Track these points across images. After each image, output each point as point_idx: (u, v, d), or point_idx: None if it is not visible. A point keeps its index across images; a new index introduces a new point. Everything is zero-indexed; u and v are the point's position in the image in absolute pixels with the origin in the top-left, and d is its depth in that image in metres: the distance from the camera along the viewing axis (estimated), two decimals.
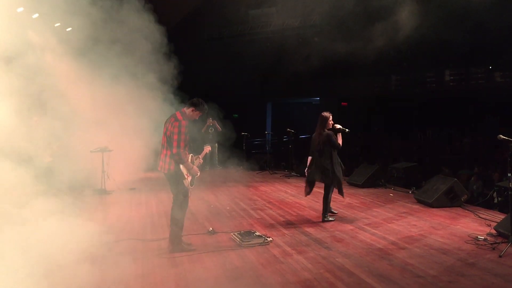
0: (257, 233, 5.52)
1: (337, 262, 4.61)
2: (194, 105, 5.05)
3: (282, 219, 6.71)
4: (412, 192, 8.51)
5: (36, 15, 7.34)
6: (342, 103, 23.68)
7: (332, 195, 6.87)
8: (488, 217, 6.43)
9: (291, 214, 7.03)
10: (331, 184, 6.57)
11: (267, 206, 7.70)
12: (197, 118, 5.18)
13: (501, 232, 5.35)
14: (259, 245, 5.20)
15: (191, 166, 5.04)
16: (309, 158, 6.79)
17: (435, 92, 19.84)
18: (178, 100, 9.23)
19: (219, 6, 17.02)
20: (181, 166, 4.93)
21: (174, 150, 4.83)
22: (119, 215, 6.89)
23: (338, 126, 6.69)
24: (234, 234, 5.57)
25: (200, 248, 5.14)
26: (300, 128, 22.60)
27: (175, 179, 5.00)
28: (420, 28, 10.96)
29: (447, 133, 19.12)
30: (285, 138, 20.77)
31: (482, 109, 18.60)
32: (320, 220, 6.51)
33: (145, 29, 8.83)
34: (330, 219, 6.51)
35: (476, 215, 6.65)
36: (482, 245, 5.10)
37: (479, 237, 5.37)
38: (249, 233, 5.51)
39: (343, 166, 6.74)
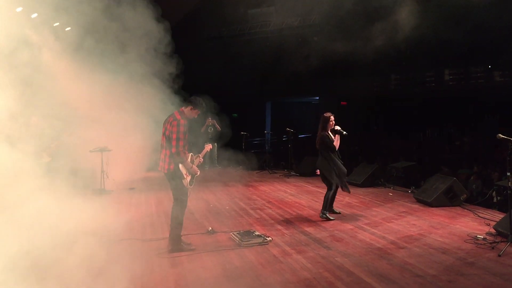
0: (257, 233, 5.52)
1: (336, 262, 4.61)
2: (192, 104, 5.06)
3: (281, 218, 6.71)
4: (412, 192, 8.52)
5: (35, 15, 7.33)
6: (342, 102, 23.69)
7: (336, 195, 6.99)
8: (487, 216, 6.43)
9: (291, 214, 7.03)
10: (330, 185, 6.63)
11: (266, 206, 7.70)
12: (195, 117, 5.18)
13: (500, 231, 5.35)
14: (259, 245, 5.20)
15: (191, 165, 5.04)
16: None
17: (435, 91, 19.84)
18: (178, 99, 9.22)
19: (218, 5, 17.01)
20: (181, 165, 4.94)
21: (174, 150, 4.84)
22: (119, 215, 6.88)
23: (338, 127, 6.72)
24: (233, 233, 5.57)
25: (199, 247, 5.14)
26: (300, 128, 22.64)
27: (175, 178, 5.00)
28: (420, 27, 10.96)
29: (446, 133, 19.15)
30: (284, 137, 20.76)
31: (481, 108, 18.62)
32: (320, 220, 6.51)
33: (145, 28, 8.82)
34: (330, 218, 6.53)
35: (476, 214, 6.65)
36: (481, 244, 5.11)
37: (478, 236, 5.37)
38: (248, 233, 5.51)
39: (343, 169, 6.69)
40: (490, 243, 5.09)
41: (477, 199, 8.49)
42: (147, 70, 9.57)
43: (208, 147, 5.60)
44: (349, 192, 6.86)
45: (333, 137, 6.69)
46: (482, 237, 5.34)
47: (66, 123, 7.92)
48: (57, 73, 7.80)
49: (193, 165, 5.09)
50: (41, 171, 4.99)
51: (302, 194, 8.71)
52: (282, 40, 19.66)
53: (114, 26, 8.26)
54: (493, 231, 5.55)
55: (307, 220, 6.53)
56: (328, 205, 6.68)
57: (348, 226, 6.16)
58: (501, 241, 5.08)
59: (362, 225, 6.17)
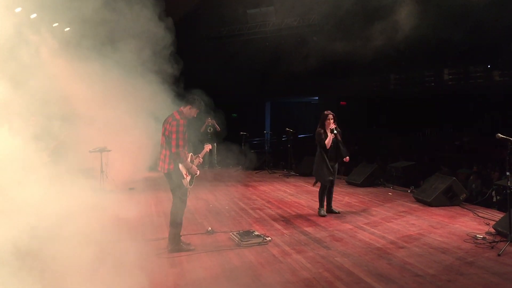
0: (256, 233, 5.52)
1: (336, 262, 4.61)
2: (191, 103, 5.06)
3: (281, 218, 6.70)
4: (411, 191, 8.52)
5: (34, 15, 7.32)
6: (341, 102, 23.70)
7: (334, 195, 7.10)
8: (487, 216, 6.44)
9: (290, 214, 7.03)
10: (318, 180, 6.86)
11: (266, 206, 7.70)
12: (195, 116, 5.18)
13: (500, 231, 5.35)
14: (258, 245, 5.20)
15: (190, 165, 5.04)
16: None
17: (434, 91, 19.84)
18: (178, 99, 9.21)
19: (217, 5, 17.01)
20: (180, 165, 4.94)
21: (174, 149, 4.84)
22: (118, 215, 6.87)
23: (332, 126, 6.76)
24: (233, 233, 5.57)
25: (199, 247, 5.14)
26: (299, 128, 22.66)
27: (175, 178, 5.01)
28: (419, 27, 10.96)
29: (446, 132, 19.15)
30: (284, 137, 20.77)
31: (481, 108, 18.63)
32: (320, 220, 6.53)
33: (145, 27, 8.81)
34: (321, 213, 6.72)
35: (475, 214, 6.65)
36: (481, 244, 5.11)
37: (478, 236, 5.38)
38: (248, 233, 5.51)
39: (330, 168, 6.73)
40: (490, 242, 5.09)
41: (477, 199, 8.50)
42: (147, 69, 9.57)
43: (208, 147, 5.60)
44: (313, 186, 7.19)
45: (329, 135, 6.73)
46: (481, 236, 5.35)
47: (65, 123, 7.92)
48: (56, 72, 7.79)
49: (193, 165, 5.09)
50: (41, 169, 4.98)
51: (302, 194, 8.71)
52: (281, 40, 19.66)
53: (114, 25, 8.24)
54: (492, 230, 5.55)
55: (307, 220, 6.53)
56: (321, 201, 6.81)
57: (348, 226, 6.16)
58: (501, 241, 5.09)
59: (362, 225, 6.17)
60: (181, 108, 5.10)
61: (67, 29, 8.04)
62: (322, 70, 20.00)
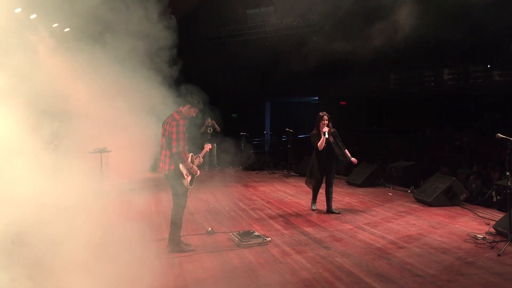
0: (256, 233, 5.52)
1: (336, 262, 4.61)
2: (189, 102, 5.07)
3: (281, 219, 6.70)
4: (411, 191, 8.52)
5: (34, 16, 7.31)
6: (341, 102, 23.70)
7: (334, 195, 7.22)
8: (487, 216, 6.44)
9: (290, 214, 7.02)
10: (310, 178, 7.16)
11: (266, 206, 7.70)
12: (194, 115, 5.18)
13: (500, 231, 5.35)
14: (258, 245, 5.20)
15: (191, 165, 5.04)
16: None
17: (434, 91, 19.84)
18: (178, 99, 9.20)
19: (217, 5, 17.00)
20: (181, 165, 4.94)
21: (174, 150, 4.84)
22: (118, 215, 6.86)
23: (325, 129, 6.82)
24: (233, 234, 5.57)
25: (199, 248, 5.14)
26: (299, 128, 22.64)
27: (175, 179, 5.01)
28: (419, 27, 10.96)
29: (446, 132, 19.15)
30: (284, 138, 20.76)
31: (480, 107, 18.63)
32: (320, 220, 6.54)
33: (145, 27, 8.79)
34: (312, 207, 7.18)
35: (475, 214, 6.65)
36: (481, 244, 5.11)
37: (478, 236, 5.38)
38: (248, 233, 5.51)
39: (317, 170, 7.02)
40: (490, 242, 5.09)
41: (477, 199, 8.50)
42: (147, 70, 9.55)
43: (208, 147, 5.60)
44: (307, 185, 7.37)
45: (322, 137, 6.84)
46: (481, 236, 5.34)
47: (65, 123, 7.91)
48: (55, 72, 7.78)
49: (193, 165, 5.09)
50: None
51: (302, 195, 8.70)
52: (281, 40, 19.65)
53: (113, 23, 8.22)
54: (492, 230, 5.55)
55: (307, 220, 6.53)
56: (314, 196, 7.23)
57: (348, 226, 6.15)
58: (501, 241, 5.09)
59: (362, 225, 6.16)
60: (180, 108, 5.10)
61: (67, 29, 8.02)
62: (322, 70, 19.99)
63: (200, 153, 5.39)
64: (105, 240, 5.23)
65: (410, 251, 4.92)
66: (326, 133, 6.79)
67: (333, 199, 7.12)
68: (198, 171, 5.16)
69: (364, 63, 17.11)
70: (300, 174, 11.35)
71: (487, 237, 5.33)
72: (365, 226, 6.10)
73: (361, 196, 8.43)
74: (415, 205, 7.46)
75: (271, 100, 28.18)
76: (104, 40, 8.33)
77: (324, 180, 7.10)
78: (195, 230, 5.99)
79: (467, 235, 5.48)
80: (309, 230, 5.96)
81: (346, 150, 7.02)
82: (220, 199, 8.38)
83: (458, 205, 7.22)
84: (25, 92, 5.17)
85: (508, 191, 5.08)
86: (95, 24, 7.72)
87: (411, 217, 6.63)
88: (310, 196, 7.43)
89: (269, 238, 5.42)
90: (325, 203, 7.06)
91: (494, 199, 8.19)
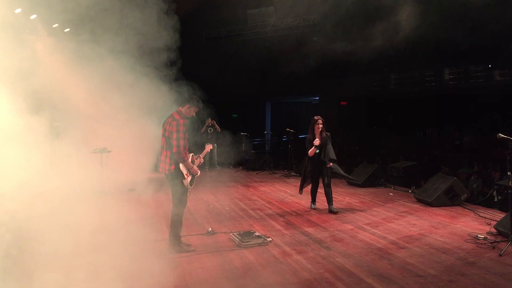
0: (257, 234, 5.51)
1: (336, 262, 4.60)
2: (188, 102, 5.08)
3: (281, 219, 6.69)
4: (412, 191, 8.50)
5: (34, 16, 7.31)
6: (342, 102, 23.68)
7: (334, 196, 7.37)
8: (488, 216, 6.42)
9: (291, 214, 7.01)
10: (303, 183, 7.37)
11: (266, 206, 7.69)
12: (194, 114, 5.18)
13: (501, 231, 5.34)
14: (259, 246, 5.19)
15: (191, 165, 5.03)
16: None
17: (434, 90, 19.81)
18: (179, 99, 9.18)
19: (217, 6, 17.00)
20: (181, 165, 4.93)
21: (174, 149, 4.84)
22: (118, 216, 6.86)
23: (317, 143, 7.00)
24: (233, 234, 5.56)
25: (199, 248, 5.13)
26: (300, 128, 22.62)
27: (175, 179, 5.00)
28: (419, 27, 10.95)
29: (446, 132, 19.12)
30: (284, 138, 20.76)
31: (481, 107, 18.60)
32: (320, 220, 6.53)
33: (145, 25, 8.78)
34: (311, 207, 7.30)
35: (476, 214, 6.64)
36: (482, 244, 5.09)
37: (479, 236, 5.36)
38: (248, 234, 5.50)
39: (308, 171, 7.25)
40: (491, 242, 5.08)
41: (478, 199, 8.49)
42: (148, 70, 9.53)
43: (209, 147, 5.59)
44: (299, 193, 7.54)
45: (313, 148, 7.01)
46: (483, 236, 5.33)
47: (64, 123, 7.88)
48: (55, 72, 7.77)
49: (194, 166, 5.08)
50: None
51: (302, 195, 8.66)
52: (281, 40, 19.65)
53: (114, 22, 8.21)
54: (494, 230, 5.54)
55: (307, 221, 6.52)
56: (312, 196, 7.35)
57: (349, 226, 6.14)
58: (502, 241, 5.07)
59: (363, 225, 6.15)
60: (180, 108, 5.10)
61: (67, 29, 8.02)
62: (322, 70, 20.00)
63: (201, 153, 5.38)
64: (105, 241, 5.22)
65: (411, 251, 4.91)
66: (316, 145, 7.00)
67: (334, 199, 7.14)
68: (199, 171, 5.15)
69: (364, 63, 17.11)
70: (301, 174, 11.34)
71: (488, 237, 5.32)
72: (366, 226, 6.09)
73: (361, 196, 8.42)
74: (416, 205, 7.44)
75: (272, 100, 28.18)
76: (103, 39, 8.32)
77: (320, 181, 7.20)
78: (196, 230, 5.98)
79: (468, 235, 5.47)
80: (310, 230, 5.95)
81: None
82: (221, 199, 8.37)
83: (459, 205, 7.21)
84: (25, 93, 5.16)
85: (509, 191, 5.07)
86: (94, 23, 7.70)
87: (412, 217, 6.62)
88: (310, 196, 7.44)
89: (270, 239, 5.41)
90: (326, 203, 7.12)
91: (495, 199, 8.18)
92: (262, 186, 10.09)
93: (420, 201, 7.63)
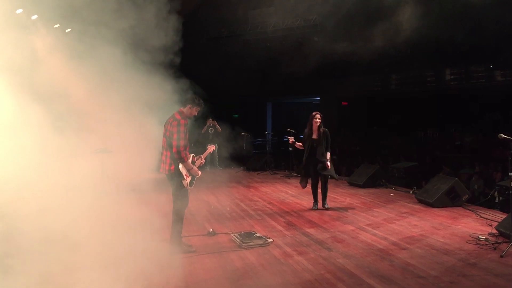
0: (258, 234, 5.51)
1: (338, 263, 4.59)
2: (190, 102, 5.08)
3: (282, 220, 6.69)
4: (413, 192, 8.49)
5: (35, 16, 7.30)
6: (343, 102, 23.66)
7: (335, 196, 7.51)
8: (489, 217, 6.42)
9: (292, 215, 7.01)
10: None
11: (267, 207, 7.69)
12: (196, 114, 5.18)
13: (503, 232, 5.33)
14: (260, 246, 5.19)
15: (191, 166, 5.03)
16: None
17: (435, 91, 19.80)
18: (180, 99, 9.17)
19: (217, 6, 17.00)
20: (181, 165, 4.92)
21: (174, 149, 4.83)
22: (119, 216, 6.85)
23: (291, 141, 7.40)
24: (234, 235, 5.56)
25: (200, 249, 5.13)
26: (301, 128, 22.56)
27: (175, 180, 5.00)
28: (420, 27, 10.93)
29: (447, 132, 19.09)
30: (285, 138, 20.73)
31: (482, 107, 18.57)
32: (321, 221, 6.53)
33: (147, 26, 8.77)
34: (312, 207, 7.31)
35: (478, 214, 6.63)
36: (483, 245, 5.09)
37: (480, 237, 5.35)
38: (249, 234, 5.50)
39: (303, 164, 7.40)
40: (492, 243, 5.07)
41: (479, 200, 8.47)
42: (148, 70, 9.52)
43: (212, 148, 5.59)
44: (302, 187, 7.57)
45: (314, 136, 7.18)
46: (484, 237, 5.32)
47: (66, 124, 7.88)
48: (55, 71, 7.77)
49: (194, 166, 5.07)
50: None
51: (303, 195, 8.67)
52: (282, 40, 19.63)
53: (113, 21, 8.21)
54: (495, 231, 5.53)
55: (308, 221, 6.51)
56: (313, 196, 7.40)
57: (350, 227, 6.14)
58: (503, 242, 5.06)
59: (364, 226, 6.14)
60: (181, 108, 5.10)
61: (68, 30, 8.01)
62: (323, 70, 19.97)
63: (202, 154, 5.38)
64: (106, 241, 5.22)
65: (412, 252, 4.90)
66: (293, 142, 7.37)
67: (335, 199, 7.17)
68: (199, 172, 5.14)
69: (365, 63, 17.08)
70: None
71: (490, 238, 5.31)
72: (367, 227, 6.08)
73: (362, 197, 8.41)
74: (417, 206, 7.43)
75: (272, 101, 28.17)
76: (103, 38, 8.31)
77: (319, 179, 7.31)
78: (196, 231, 5.98)
79: (470, 236, 5.46)
80: (311, 231, 5.94)
81: (328, 153, 7.19)
82: (222, 200, 8.37)
83: (460, 206, 7.20)
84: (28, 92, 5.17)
85: (510, 191, 5.06)
86: (94, 21, 7.69)
87: (413, 218, 6.61)
88: (312, 197, 7.45)
89: (271, 239, 5.41)
90: (328, 204, 7.25)
91: (497, 200, 8.15)
92: (263, 186, 10.09)
93: (421, 201, 7.62)
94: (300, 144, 7.37)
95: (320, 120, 7.18)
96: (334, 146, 7.63)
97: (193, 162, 5.12)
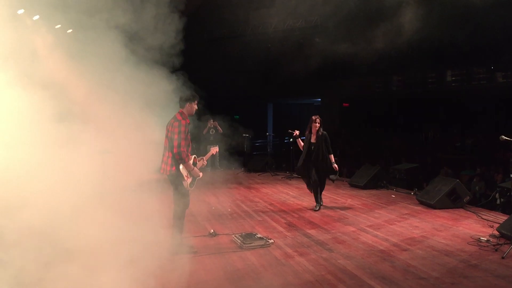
0: (259, 235, 5.50)
1: (339, 264, 4.59)
2: (187, 99, 5.07)
3: (283, 221, 6.68)
4: (414, 193, 8.49)
5: (36, 17, 7.31)
6: (344, 104, 23.64)
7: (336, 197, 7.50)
8: (490, 218, 6.41)
9: (293, 216, 7.00)
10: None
11: (268, 208, 7.68)
12: (196, 108, 5.16)
13: (504, 233, 5.32)
14: (261, 247, 5.18)
15: (192, 167, 5.02)
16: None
17: (437, 92, 19.78)
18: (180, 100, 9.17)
19: (219, 7, 17.02)
20: (181, 166, 4.92)
21: (175, 150, 4.83)
22: (119, 217, 6.85)
23: (296, 133, 7.58)
24: (235, 236, 5.55)
25: (201, 250, 5.13)
26: (302, 130, 22.55)
27: (176, 180, 5.00)
28: (422, 28, 10.93)
29: (449, 134, 19.08)
30: (286, 139, 20.73)
31: (484, 109, 18.55)
32: (322, 222, 6.52)
33: (146, 25, 8.77)
34: (314, 208, 7.30)
35: (479, 216, 6.62)
36: (484, 246, 5.08)
37: (481, 238, 5.35)
38: (250, 235, 5.49)
39: (301, 165, 7.47)
40: (494, 245, 5.07)
41: (480, 201, 8.47)
42: (147, 69, 9.52)
43: (215, 150, 5.59)
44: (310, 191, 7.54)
45: (312, 139, 7.25)
46: (485, 239, 5.31)
47: (65, 123, 7.87)
48: (56, 71, 7.78)
49: (195, 168, 5.07)
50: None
51: (304, 196, 8.67)
52: (283, 41, 19.65)
53: (114, 21, 8.22)
54: (496, 233, 5.52)
55: (309, 222, 6.51)
56: (315, 197, 7.39)
57: (351, 228, 6.13)
58: (505, 243, 5.05)
59: (365, 227, 6.14)
60: (182, 109, 5.10)
61: (70, 30, 8.02)
62: (324, 71, 19.95)
63: (204, 156, 5.38)
64: (106, 242, 5.22)
65: (413, 254, 4.89)
66: (296, 135, 7.53)
67: (336, 201, 7.19)
68: (200, 173, 5.13)
69: (366, 65, 17.08)
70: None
71: (491, 239, 5.30)
72: (368, 228, 6.08)
73: (364, 198, 8.41)
74: (418, 207, 7.42)
75: (274, 102, 28.17)
76: (103, 38, 8.31)
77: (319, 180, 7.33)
78: (197, 232, 5.98)
79: (471, 237, 5.45)
80: (312, 232, 5.94)
81: (331, 155, 7.25)
82: (223, 201, 8.37)
83: (461, 207, 7.19)
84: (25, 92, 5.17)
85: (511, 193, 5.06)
86: (96, 21, 7.70)
87: (414, 219, 6.60)
88: (313, 198, 7.46)
89: (272, 240, 5.41)
90: (329, 205, 7.34)
91: (498, 202, 8.13)
92: (264, 187, 10.09)
93: (422, 203, 7.61)
94: (302, 143, 7.42)
95: (319, 124, 7.22)
96: (335, 147, 7.62)
97: (195, 164, 5.12)
